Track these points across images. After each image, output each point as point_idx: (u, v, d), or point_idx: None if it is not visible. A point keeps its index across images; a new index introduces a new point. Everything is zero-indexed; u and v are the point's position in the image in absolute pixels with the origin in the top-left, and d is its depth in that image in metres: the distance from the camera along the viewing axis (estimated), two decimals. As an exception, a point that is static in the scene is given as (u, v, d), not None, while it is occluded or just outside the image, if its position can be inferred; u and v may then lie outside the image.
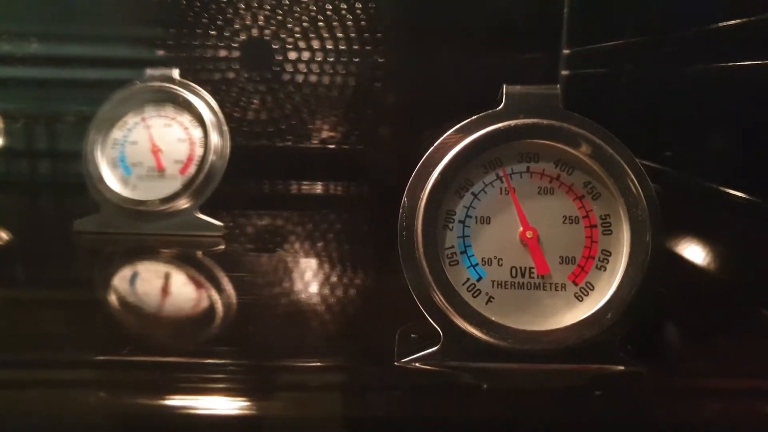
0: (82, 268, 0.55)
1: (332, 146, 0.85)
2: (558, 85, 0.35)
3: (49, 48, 0.81)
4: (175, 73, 0.60)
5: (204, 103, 0.60)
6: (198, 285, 0.50)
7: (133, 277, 0.52)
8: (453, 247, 0.34)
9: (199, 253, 0.56)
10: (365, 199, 0.82)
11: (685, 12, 0.60)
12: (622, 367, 0.33)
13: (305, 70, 0.82)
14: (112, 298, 0.47)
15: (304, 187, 0.83)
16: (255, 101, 0.82)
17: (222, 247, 0.57)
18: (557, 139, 0.34)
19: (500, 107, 0.35)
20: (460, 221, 0.34)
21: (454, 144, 0.34)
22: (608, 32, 0.75)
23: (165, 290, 0.49)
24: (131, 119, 0.59)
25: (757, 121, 0.49)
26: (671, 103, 0.62)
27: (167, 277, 0.52)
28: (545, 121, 0.34)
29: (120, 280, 0.51)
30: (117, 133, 0.59)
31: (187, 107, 0.59)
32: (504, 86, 0.35)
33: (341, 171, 0.84)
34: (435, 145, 0.35)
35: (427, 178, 0.34)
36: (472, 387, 0.33)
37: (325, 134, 0.84)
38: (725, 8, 0.52)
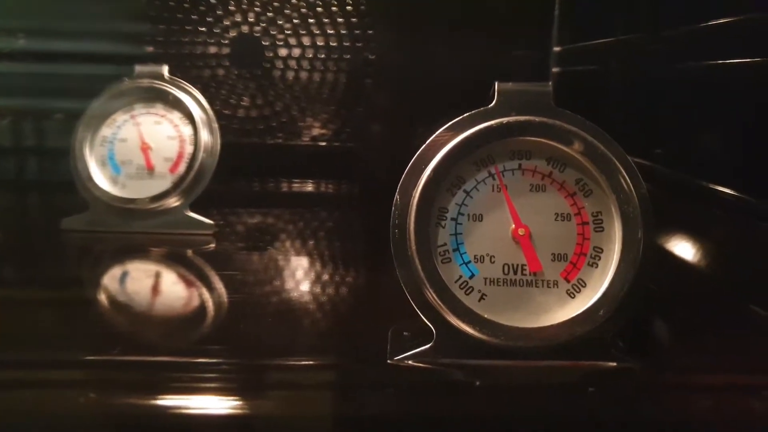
0: (70, 267, 0.54)
1: (323, 144, 0.85)
2: (550, 83, 0.35)
3: (37, 44, 0.80)
4: (165, 70, 0.60)
5: (194, 100, 0.59)
6: (189, 284, 0.50)
7: (124, 276, 0.52)
8: (445, 244, 0.34)
9: (190, 252, 0.56)
10: (356, 197, 0.82)
11: (675, 10, 0.60)
12: (615, 364, 0.33)
13: (296, 67, 0.82)
14: (102, 298, 0.46)
15: (294, 184, 0.83)
16: (245, 98, 0.82)
17: (213, 245, 0.57)
18: (549, 137, 0.34)
19: (492, 104, 0.35)
20: (452, 219, 0.34)
21: (446, 141, 0.34)
22: (599, 30, 0.76)
23: (155, 289, 0.49)
24: (120, 116, 0.59)
25: (747, 119, 0.49)
26: (661, 101, 0.62)
27: (157, 275, 0.52)
28: (537, 119, 0.34)
29: (110, 279, 0.50)
30: (106, 131, 0.58)
31: (177, 105, 0.58)
32: (496, 83, 0.35)
33: (332, 168, 0.84)
34: (427, 142, 0.35)
35: (420, 176, 0.34)
36: (464, 384, 0.33)
37: (316, 131, 0.84)
38: (715, 6, 0.52)
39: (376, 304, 0.45)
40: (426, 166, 0.34)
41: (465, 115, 0.35)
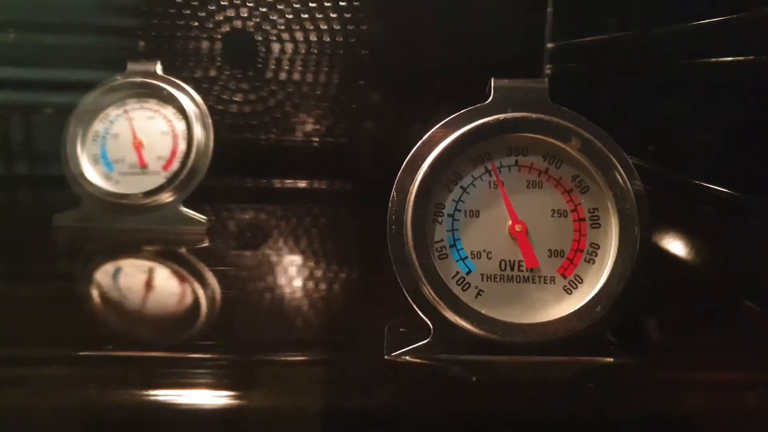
0: (61, 264, 0.54)
1: (316, 140, 0.84)
2: (546, 79, 0.35)
3: (27, 39, 0.79)
4: (158, 66, 0.59)
5: (187, 96, 0.59)
6: (182, 280, 0.50)
7: (116, 273, 0.51)
8: (442, 240, 0.34)
9: (183, 249, 0.55)
10: (349, 194, 0.82)
11: (669, 8, 0.60)
12: (612, 359, 0.33)
13: (288, 63, 0.82)
14: (94, 294, 0.46)
15: (287, 181, 0.83)
16: (238, 94, 0.81)
17: (206, 242, 0.56)
18: (546, 133, 0.34)
19: (489, 101, 0.35)
20: (449, 215, 0.34)
21: (443, 138, 0.34)
22: (593, 27, 0.76)
23: (148, 285, 0.49)
24: (113, 111, 0.58)
25: (739, 116, 0.49)
26: (654, 98, 0.63)
27: (150, 271, 0.51)
28: (534, 115, 0.34)
29: (103, 275, 0.50)
30: (98, 126, 0.58)
31: (170, 100, 0.58)
32: (492, 80, 0.35)
33: (325, 165, 0.84)
34: (424, 138, 0.35)
35: (416, 172, 0.34)
36: (462, 379, 0.33)
37: (309, 128, 0.84)
38: (708, 5, 0.52)
39: (372, 301, 0.45)
40: (423, 162, 0.34)
41: (462, 111, 0.35)
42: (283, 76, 0.82)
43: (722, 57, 0.51)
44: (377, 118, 0.84)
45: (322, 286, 0.47)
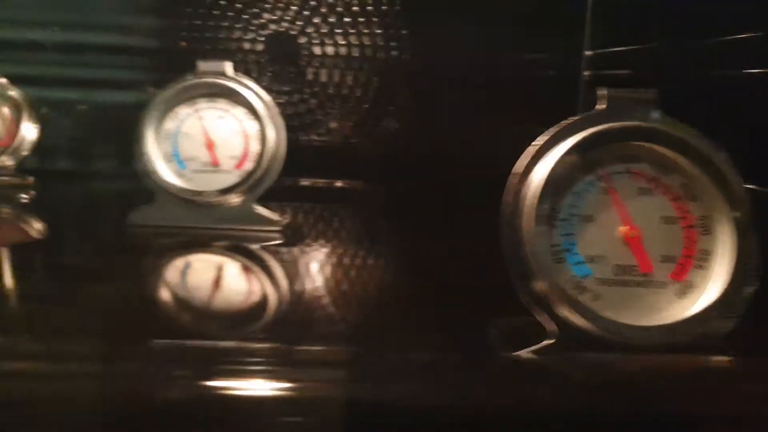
0: (136, 261, 0.54)
1: (353, 141, 0.86)
2: (656, 90, 0.37)
3: (72, 36, 0.80)
4: (228, 67, 0.59)
5: (257, 97, 0.59)
6: (258, 277, 0.50)
7: (186, 269, 0.52)
8: (558, 245, 0.35)
9: (256, 246, 0.55)
10: (386, 196, 0.83)
11: (703, 22, 0.62)
12: (729, 361, 0.34)
13: (329, 66, 0.83)
14: (164, 291, 0.47)
15: (325, 181, 0.84)
16: (280, 97, 0.82)
17: (280, 241, 0.57)
18: (658, 142, 0.35)
19: (600, 109, 0.36)
20: (563, 219, 0.35)
21: (554, 144, 0.35)
22: (631, 35, 0.77)
23: (216, 282, 0.49)
24: (183, 110, 0.58)
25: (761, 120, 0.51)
26: (688, 106, 0.65)
27: (219, 269, 0.52)
28: (647, 125, 0.35)
29: (174, 271, 0.51)
30: (170, 124, 0.58)
31: (241, 101, 0.58)
32: (604, 90, 0.36)
33: (363, 167, 0.85)
34: (538, 146, 0.36)
35: (529, 177, 0.35)
36: (585, 379, 0.34)
37: (347, 130, 0.85)
38: (737, 21, 0.55)
39: (461, 300, 0.45)
40: (536, 167, 0.35)
41: (574, 118, 0.36)
42: (323, 78, 0.83)
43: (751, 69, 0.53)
44: (416, 121, 0.85)
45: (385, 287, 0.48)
